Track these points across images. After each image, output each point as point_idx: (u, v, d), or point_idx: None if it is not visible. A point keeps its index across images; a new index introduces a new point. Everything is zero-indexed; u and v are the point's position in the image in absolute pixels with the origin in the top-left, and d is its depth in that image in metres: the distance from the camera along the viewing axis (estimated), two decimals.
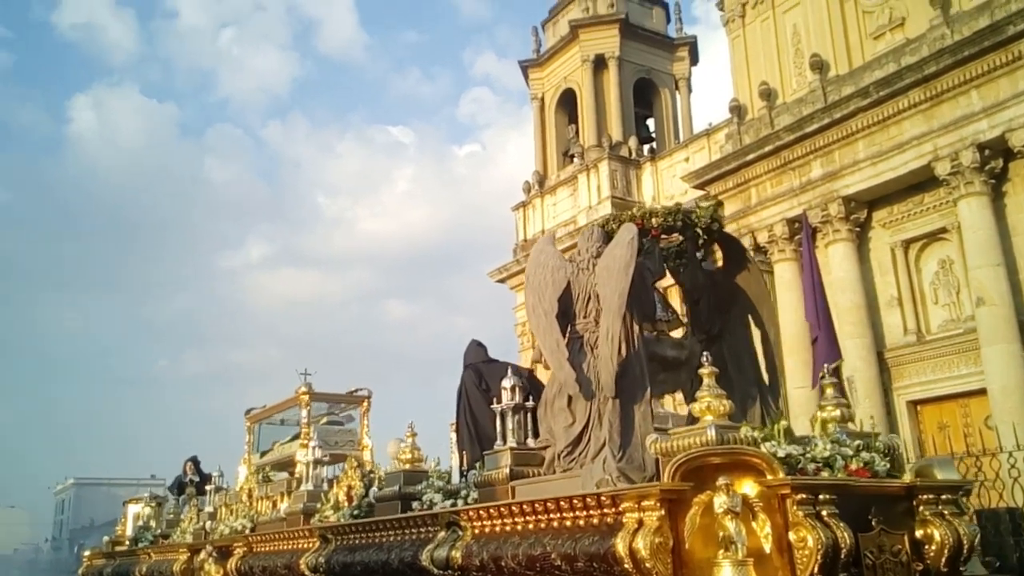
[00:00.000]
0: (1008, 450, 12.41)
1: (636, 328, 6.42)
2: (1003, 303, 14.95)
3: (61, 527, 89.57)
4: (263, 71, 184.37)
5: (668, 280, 7.65)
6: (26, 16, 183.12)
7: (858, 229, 17.68)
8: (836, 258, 17.49)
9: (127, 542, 17.09)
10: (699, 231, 6.90)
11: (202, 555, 11.61)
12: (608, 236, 6.78)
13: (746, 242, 18.95)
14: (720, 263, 7.71)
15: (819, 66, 18.27)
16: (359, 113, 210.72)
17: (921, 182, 16.74)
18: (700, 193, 20.33)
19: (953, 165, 15.67)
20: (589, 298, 6.71)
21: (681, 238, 6.87)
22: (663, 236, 6.81)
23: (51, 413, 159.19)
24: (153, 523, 16.26)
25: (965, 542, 5.65)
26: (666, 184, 22.31)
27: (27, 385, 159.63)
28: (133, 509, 18.26)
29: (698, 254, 7.27)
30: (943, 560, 5.60)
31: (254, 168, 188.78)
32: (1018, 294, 15.24)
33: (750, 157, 19.00)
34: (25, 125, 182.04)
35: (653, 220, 6.75)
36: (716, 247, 7.60)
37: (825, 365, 6.66)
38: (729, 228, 19.31)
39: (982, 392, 15.23)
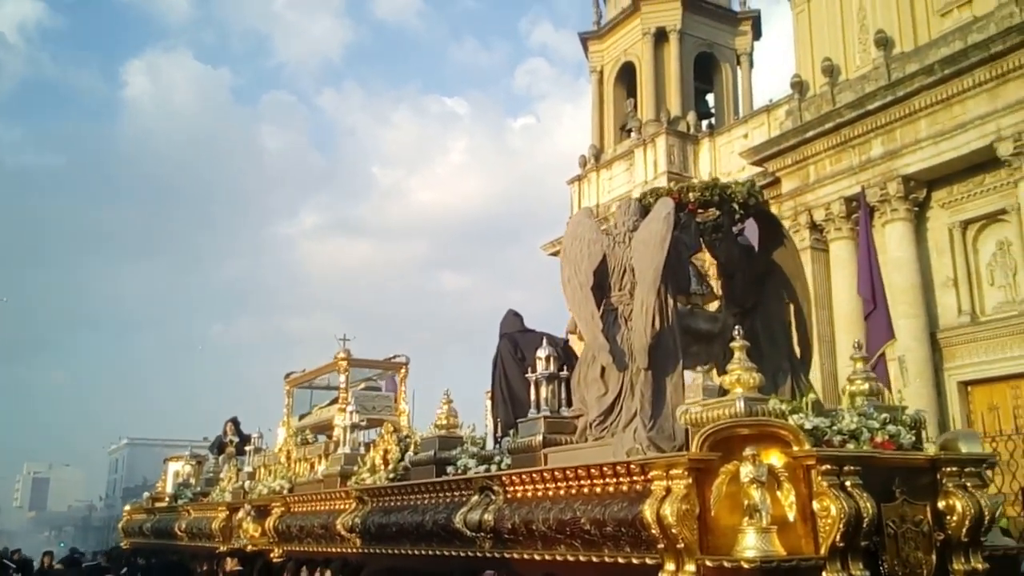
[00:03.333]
0: None
1: (670, 301, 6.49)
2: None
3: (114, 486, 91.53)
4: (318, 37, 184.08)
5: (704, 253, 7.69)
6: None
7: (916, 209, 17.39)
8: (893, 238, 17.24)
9: (167, 499, 17.59)
10: (736, 206, 6.92)
11: (240, 513, 11.92)
12: (645, 210, 6.84)
13: (802, 220, 18.82)
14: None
15: (884, 43, 17.93)
16: (414, 82, 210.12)
17: (982, 162, 16.41)
18: (758, 170, 20.13)
19: (1016, 146, 15.36)
20: (624, 271, 6.79)
21: (718, 212, 6.90)
22: (700, 210, 6.85)
23: (108, 375, 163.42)
24: (193, 481, 16.73)
25: (986, 513, 5.77)
26: (724, 160, 22.07)
27: (84, 347, 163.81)
28: (173, 467, 18.79)
29: (734, 229, 7.28)
30: (964, 530, 5.72)
31: (309, 136, 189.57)
32: None
33: (810, 134, 18.75)
34: (81, 89, 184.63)
35: (690, 195, 6.79)
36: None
37: (861, 346, 6.67)
38: (786, 205, 19.24)
39: None
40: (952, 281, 16.99)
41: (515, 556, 6.96)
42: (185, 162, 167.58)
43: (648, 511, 5.48)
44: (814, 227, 18.77)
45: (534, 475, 6.86)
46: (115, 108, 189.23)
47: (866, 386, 6.17)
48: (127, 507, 21.30)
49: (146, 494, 20.95)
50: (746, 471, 5.26)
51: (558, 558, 6.53)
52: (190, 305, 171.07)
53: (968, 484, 5.81)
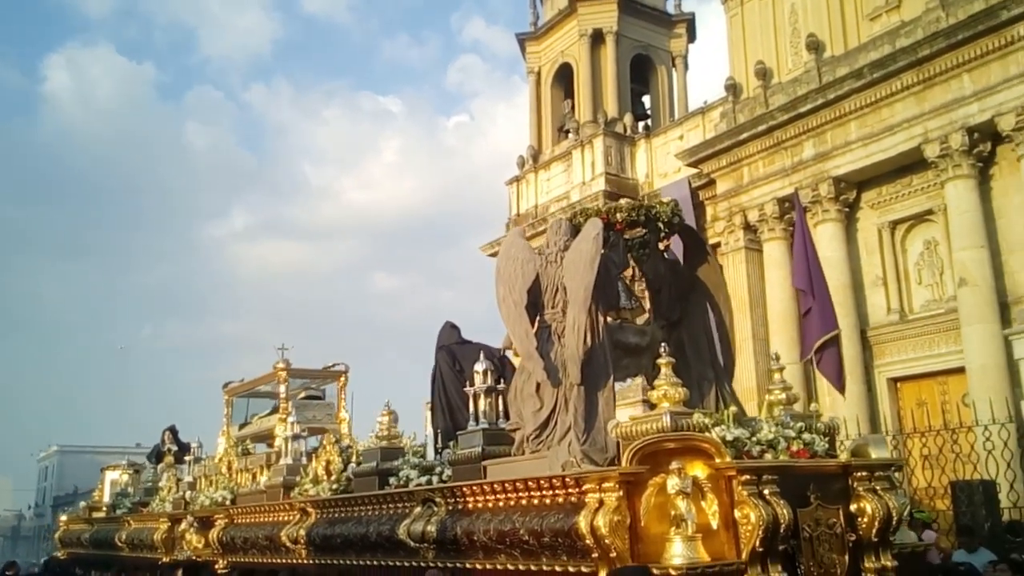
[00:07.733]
0: (984, 423, 12.87)
1: (601, 318, 6.75)
2: (985, 284, 15.19)
3: (44, 494, 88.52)
4: (245, 31, 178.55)
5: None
6: None
7: (847, 210, 17.87)
8: (824, 238, 17.64)
9: (105, 508, 17.43)
10: (661, 224, 7.23)
11: (183, 525, 11.88)
12: (575, 230, 7.09)
13: (737, 220, 19.24)
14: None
15: (815, 46, 18.39)
16: (345, 78, 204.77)
17: (910, 164, 16.88)
18: (693, 171, 20.53)
19: (942, 148, 15.81)
20: (557, 290, 7.04)
21: (644, 231, 7.19)
22: (627, 229, 7.13)
23: (35, 379, 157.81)
24: (131, 490, 16.59)
25: (894, 514, 6.18)
26: (660, 161, 22.46)
27: (8, 351, 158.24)
28: (111, 476, 18.63)
29: (660, 246, 7.59)
30: (874, 531, 6.11)
31: (237, 134, 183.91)
32: (1000, 276, 15.48)
33: (743, 136, 19.13)
34: None
35: (618, 215, 7.08)
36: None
37: (779, 356, 7.01)
38: (720, 206, 19.68)
39: (960, 371, 15.54)
40: (881, 280, 17.51)
41: (458, 566, 7.19)
42: (109, 160, 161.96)
43: (583, 522, 5.77)
44: (748, 227, 19.18)
45: (474, 487, 7.09)
46: (34, 103, 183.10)
47: (783, 396, 6.52)
48: (63, 517, 21.05)
49: (83, 503, 20.74)
50: (672, 483, 5.56)
51: (499, 567, 6.77)
52: (118, 308, 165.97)
53: (877, 487, 6.19)
